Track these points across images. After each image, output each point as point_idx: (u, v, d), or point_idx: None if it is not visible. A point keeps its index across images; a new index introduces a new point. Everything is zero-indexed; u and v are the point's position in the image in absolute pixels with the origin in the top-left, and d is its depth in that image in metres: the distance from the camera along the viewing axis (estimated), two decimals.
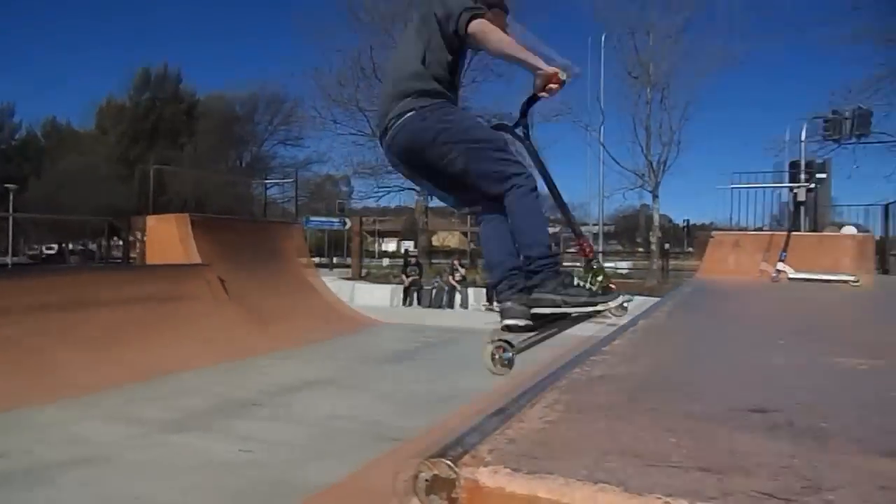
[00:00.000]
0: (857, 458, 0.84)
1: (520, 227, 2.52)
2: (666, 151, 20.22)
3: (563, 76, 2.47)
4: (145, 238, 10.15)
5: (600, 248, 28.96)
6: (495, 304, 11.77)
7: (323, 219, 31.18)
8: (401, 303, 15.37)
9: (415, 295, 15.56)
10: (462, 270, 15.61)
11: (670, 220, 30.80)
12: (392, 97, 2.53)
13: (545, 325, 2.48)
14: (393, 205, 33.24)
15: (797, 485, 0.74)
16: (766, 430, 0.95)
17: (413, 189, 23.69)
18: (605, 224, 30.76)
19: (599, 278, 2.56)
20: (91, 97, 40.77)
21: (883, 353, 1.78)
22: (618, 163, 21.93)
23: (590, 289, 2.52)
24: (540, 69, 2.46)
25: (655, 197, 21.06)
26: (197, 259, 9.47)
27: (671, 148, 20.27)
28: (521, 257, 2.55)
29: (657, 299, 12.77)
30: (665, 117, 20.09)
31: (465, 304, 14.90)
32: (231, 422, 5.21)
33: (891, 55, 15.19)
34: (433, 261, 22.78)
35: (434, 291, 15.39)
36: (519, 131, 2.70)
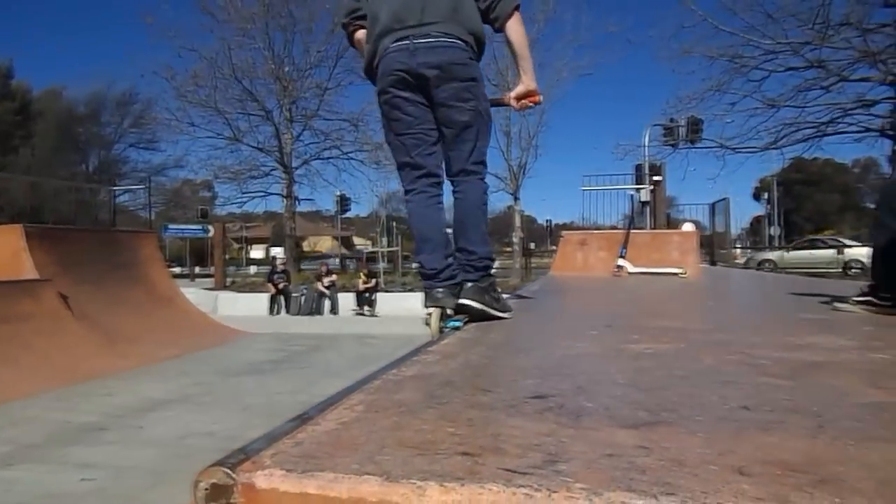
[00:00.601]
0: (600, 433, 0.98)
1: (472, 218, 2.57)
2: (525, 156, 21.28)
3: (541, 99, 2.66)
4: None
5: None
6: (365, 309, 11.84)
7: (182, 226, 29.45)
8: (267, 312, 14.91)
9: (282, 302, 15.15)
10: (332, 276, 15.45)
11: (534, 221, 32.42)
12: (445, 13, 2.44)
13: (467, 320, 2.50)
14: (261, 210, 32.10)
15: (539, 460, 0.85)
16: (536, 413, 1.07)
17: (279, 194, 23.05)
18: None
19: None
20: None
21: (671, 338, 2.04)
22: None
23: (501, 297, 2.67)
24: (533, 81, 2.61)
25: (516, 199, 22.05)
26: (34, 274, 8.62)
27: (529, 153, 21.36)
28: (458, 248, 2.60)
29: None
30: (524, 123, 21.11)
31: (335, 310, 14.75)
32: (71, 450, 4.82)
33: (713, 70, 17.02)
34: (303, 267, 22.34)
35: (303, 298, 15.08)
36: None
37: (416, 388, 1.30)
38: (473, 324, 2.43)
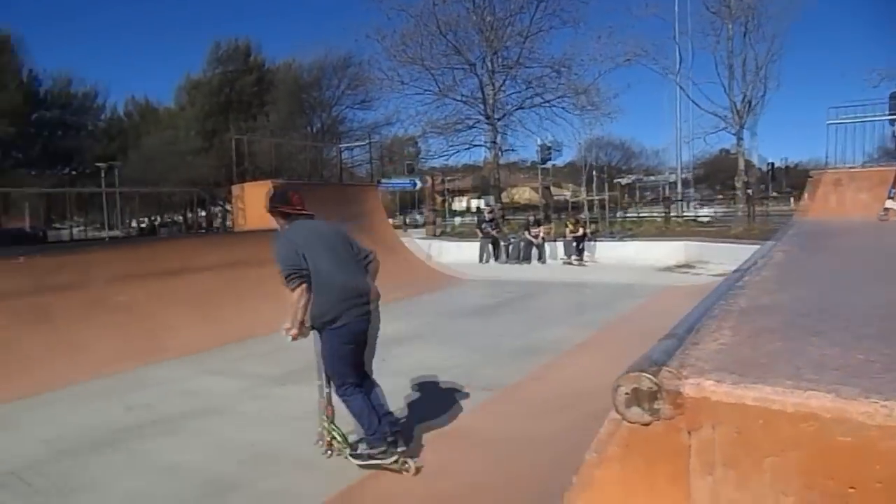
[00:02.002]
0: None
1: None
2: (751, 90, 19.03)
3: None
4: (240, 206, 10.54)
5: (679, 196, 27.95)
6: (573, 258, 11.65)
7: (396, 180, 31.45)
8: (478, 259, 15.39)
9: (491, 250, 15.54)
10: (541, 226, 15.45)
11: (763, 164, 29.08)
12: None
13: None
14: (461, 163, 33.08)
15: None
16: None
17: (483, 145, 23.46)
18: (687, 170, 29.61)
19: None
20: (173, 75, 42.40)
21: None
22: (697, 105, 20.91)
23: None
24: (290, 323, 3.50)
25: (740, 139, 19.97)
26: None
27: (757, 86, 19.05)
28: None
29: (747, 245, 12.24)
30: (750, 53, 18.84)
31: (542, 259, 14.77)
32: None
33: None
34: (508, 216, 22.64)
35: (511, 247, 15.32)
36: None
37: (767, 318, 1.16)
38: (762, 261, 2.19)
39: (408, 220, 31.61)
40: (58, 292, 6.61)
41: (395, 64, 22.05)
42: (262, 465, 3.55)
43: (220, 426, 4.24)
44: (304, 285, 3.39)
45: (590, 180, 21.35)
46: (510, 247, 15.48)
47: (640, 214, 22.72)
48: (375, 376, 3.76)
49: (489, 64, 21.81)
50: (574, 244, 14.43)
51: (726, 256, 12.30)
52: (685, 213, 22.72)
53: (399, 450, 3.40)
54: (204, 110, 37.33)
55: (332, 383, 3.63)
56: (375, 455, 3.39)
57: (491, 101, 21.92)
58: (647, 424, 0.77)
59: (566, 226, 15.11)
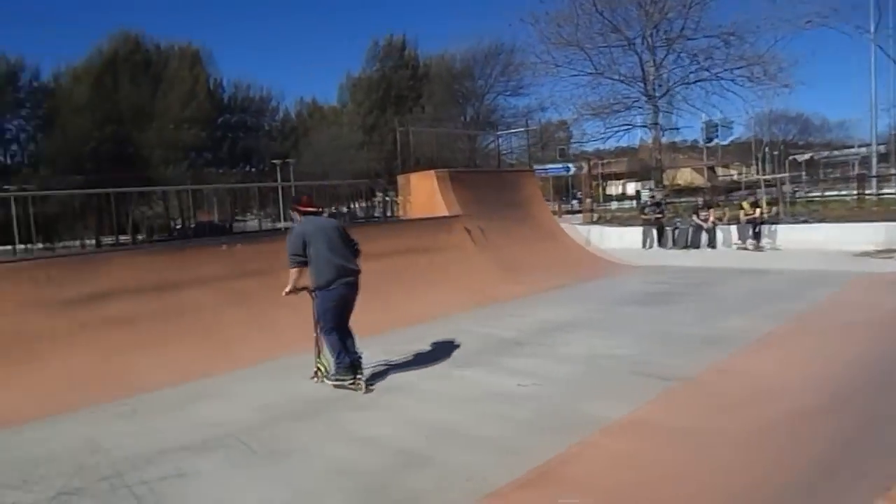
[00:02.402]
0: None
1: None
2: None
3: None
4: (405, 195, 11.05)
5: (875, 172, 24.66)
6: (749, 243, 10.83)
7: (549, 166, 31.10)
8: (641, 245, 14.78)
9: (654, 235, 14.84)
10: (710, 209, 14.47)
11: None
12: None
13: None
14: (615, 146, 31.86)
15: None
16: None
17: (644, 126, 22.36)
18: (884, 143, 26.06)
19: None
20: (337, 75, 45.51)
21: None
22: None
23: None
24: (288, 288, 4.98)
25: None
26: (455, 211, 10.08)
27: None
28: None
29: None
30: None
31: (713, 244, 13.82)
32: (501, 359, 5.53)
33: None
34: (670, 200, 21.42)
35: (677, 232, 14.52)
36: None
37: None
38: None
39: (561, 207, 31.12)
40: (253, 277, 7.34)
41: (549, 47, 21.70)
42: (449, 442, 3.70)
43: (406, 404, 4.48)
44: (298, 267, 4.91)
45: (763, 158, 19.54)
46: (676, 232, 14.67)
47: (826, 194, 20.35)
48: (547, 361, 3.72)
49: (649, 39, 20.71)
50: (750, 228, 13.33)
51: None
52: (883, 192, 20.01)
53: (357, 376, 4.88)
54: (364, 106, 39.56)
55: (320, 328, 5.07)
56: (342, 379, 4.90)
57: (651, 79, 20.84)
58: None
59: (740, 207, 14.00)
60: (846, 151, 36.00)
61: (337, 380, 4.93)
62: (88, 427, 4.39)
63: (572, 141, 34.08)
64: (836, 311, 6.89)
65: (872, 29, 19.82)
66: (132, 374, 5.42)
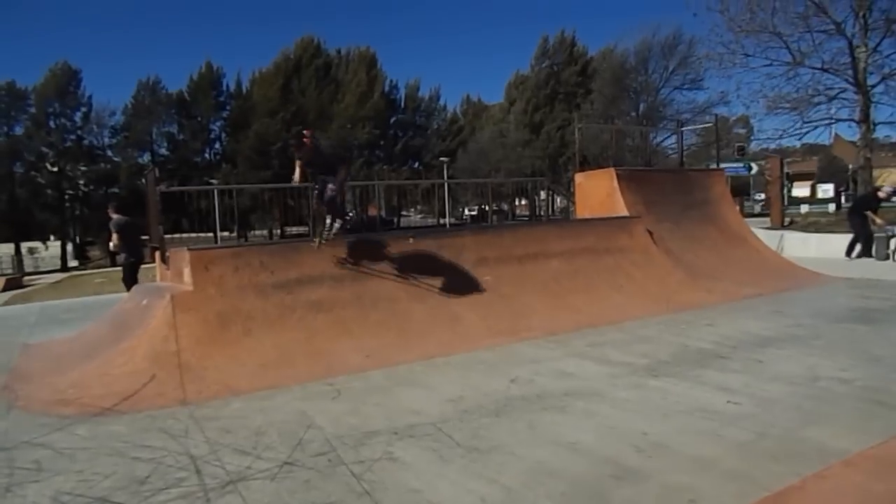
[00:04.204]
0: None
1: None
2: None
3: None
4: (585, 195, 10.80)
5: None
6: None
7: (728, 165, 28.87)
8: (845, 254, 13.12)
9: (859, 245, 13.07)
10: None
11: None
12: None
13: None
14: (799, 144, 28.74)
15: None
16: None
17: (851, 119, 19.83)
18: None
19: None
20: (504, 73, 46.06)
21: None
22: None
23: None
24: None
25: None
26: (626, 212, 9.68)
27: None
28: None
29: None
30: None
31: None
32: (702, 371, 5.13)
33: None
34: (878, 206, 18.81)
35: (893, 241, 12.66)
36: None
37: None
38: None
39: (743, 210, 28.76)
40: (426, 273, 7.52)
41: (738, 35, 20.03)
42: (660, 456, 3.48)
43: (604, 410, 4.30)
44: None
45: None
46: (892, 240, 12.84)
47: None
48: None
49: (862, 20, 18.31)
50: None
51: None
52: None
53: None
54: (531, 104, 39.47)
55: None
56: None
57: (863, 66, 18.42)
58: None
59: None
60: None
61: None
62: (301, 402, 4.74)
63: (752, 137, 31.35)
64: None
65: None
66: (334, 355, 5.80)
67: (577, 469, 3.36)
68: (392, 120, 44.70)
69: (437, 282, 7.37)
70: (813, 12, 18.68)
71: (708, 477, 3.21)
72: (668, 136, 31.30)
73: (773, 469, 3.25)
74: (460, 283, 7.53)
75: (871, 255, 12.86)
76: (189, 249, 6.42)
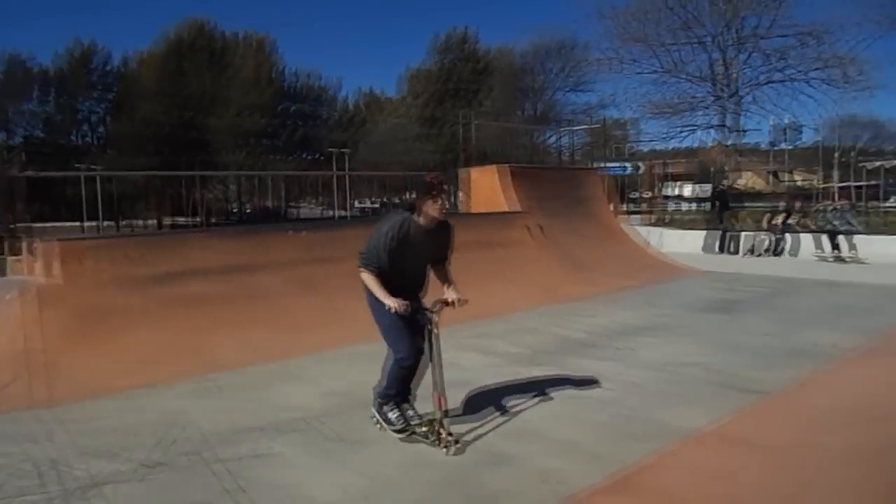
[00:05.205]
0: None
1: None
2: None
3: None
4: (469, 190, 10.99)
5: None
6: (831, 253, 10.16)
7: (613, 164, 30.49)
8: (710, 250, 14.29)
9: (727, 240, 14.32)
10: (786, 216, 13.79)
11: None
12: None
13: None
14: (672, 147, 31.05)
15: None
16: None
17: (710, 127, 21.67)
18: None
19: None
20: (398, 66, 45.74)
21: None
22: None
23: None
24: (387, 303, 3.51)
25: None
26: (517, 207, 9.97)
27: None
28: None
29: None
30: None
31: (793, 252, 13.21)
32: (574, 360, 5.40)
33: None
34: (733, 204, 20.65)
35: (743, 237, 13.98)
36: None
37: None
38: None
39: (618, 207, 30.52)
40: (318, 264, 7.40)
41: (615, 43, 21.28)
42: (533, 441, 3.63)
43: (476, 400, 4.42)
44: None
45: (830, 165, 18.71)
46: (742, 236, 14.15)
47: None
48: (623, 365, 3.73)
49: (720, 38, 20.04)
50: (831, 237, 12.69)
51: None
52: None
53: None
54: (423, 98, 39.66)
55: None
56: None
57: (720, 79, 20.16)
58: None
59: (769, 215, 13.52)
60: None
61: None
62: (179, 400, 4.53)
63: (630, 140, 33.40)
64: None
65: None
66: (218, 350, 5.56)
67: (450, 458, 3.43)
68: (280, 108, 43.30)
69: (328, 274, 7.24)
70: (679, 27, 20.20)
71: (576, 459, 3.39)
72: (561, 136, 32.62)
73: (635, 448, 3.48)
74: (349, 276, 7.42)
75: (737, 251, 14.12)
76: (59, 240, 5.89)
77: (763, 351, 5.62)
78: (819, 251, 12.88)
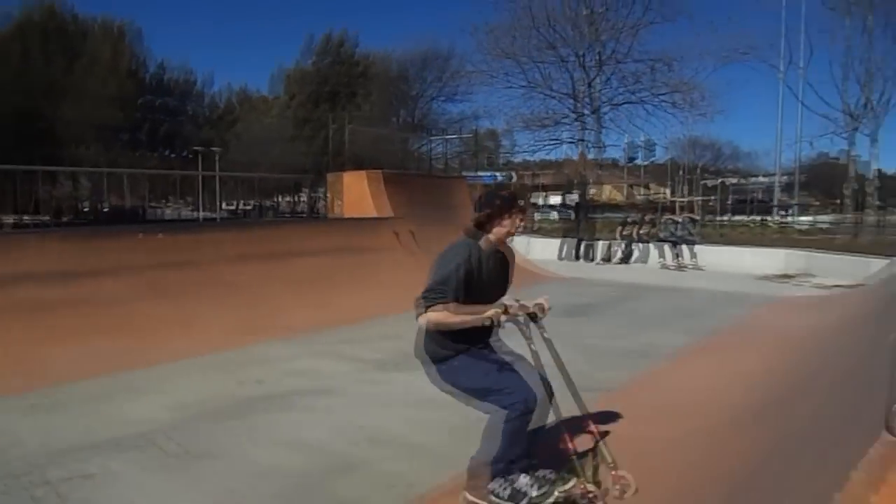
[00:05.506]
0: None
1: None
2: (870, 92, 17.76)
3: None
4: (340, 195, 10.90)
5: (777, 201, 26.48)
6: (673, 261, 11.12)
7: (485, 174, 31.46)
8: (569, 257, 15.21)
9: (579, 248, 15.31)
10: (637, 226, 15.00)
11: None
12: None
13: None
14: (541, 159, 32.71)
15: None
16: None
17: (571, 141, 23.05)
18: (788, 175, 27.97)
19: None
20: (280, 65, 43.92)
21: None
22: (806, 106, 19.82)
23: None
24: (488, 316, 2.76)
25: (851, 144, 18.75)
26: (388, 212, 10.02)
27: (878, 88, 17.74)
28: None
29: (866, 259, 11.43)
30: (876, 50, 17.55)
31: (643, 260, 14.39)
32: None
33: None
34: (592, 215, 22.15)
35: (609, 246, 15.04)
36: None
37: None
38: None
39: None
40: (173, 269, 7.04)
41: (486, 57, 22.06)
42: (383, 446, 3.67)
43: (335, 406, 4.40)
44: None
45: (678, 181, 20.65)
46: (597, 245, 15.21)
47: (733, 219, 21.73)
48: None
49: (582, 59, 21.41)
50: (673, 247, 13.96)
51: (836, 270, 11.60)
52: (785, 220, 21.59)
53: None
54: (296, 100, 38.70)
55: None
56: None
57: (581, 97, 21.53)
58: None
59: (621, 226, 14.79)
60: (753, 180, 38.49)
61: None
62: (6, 417, 4.12)
63: (502, 151, 34.70)
64: (746, 330, 7.32)
65: (782, 68, 21.33)
66: (55, 362, 5.09)
67: (295, 467, 3.39)
68: (156, 103, 40.38)
69: (183, 279, 6.88)
70: (545, 46, 21.37)
71: (426, 462, 3.47)
72: (435, 144, 33.16)
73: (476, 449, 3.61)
74: (208, 281, 7.11)
75: (593, 259, 15.11)
76: None
77: (608, 352, 6.06)
78: (663, 259, 14.11)
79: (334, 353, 5.89)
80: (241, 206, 38.85)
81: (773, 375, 4.79)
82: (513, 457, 2.78)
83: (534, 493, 2.72)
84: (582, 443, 2.92)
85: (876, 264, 11.01)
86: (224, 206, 36.84)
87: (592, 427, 2.92)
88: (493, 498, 2.77)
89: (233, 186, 36.97)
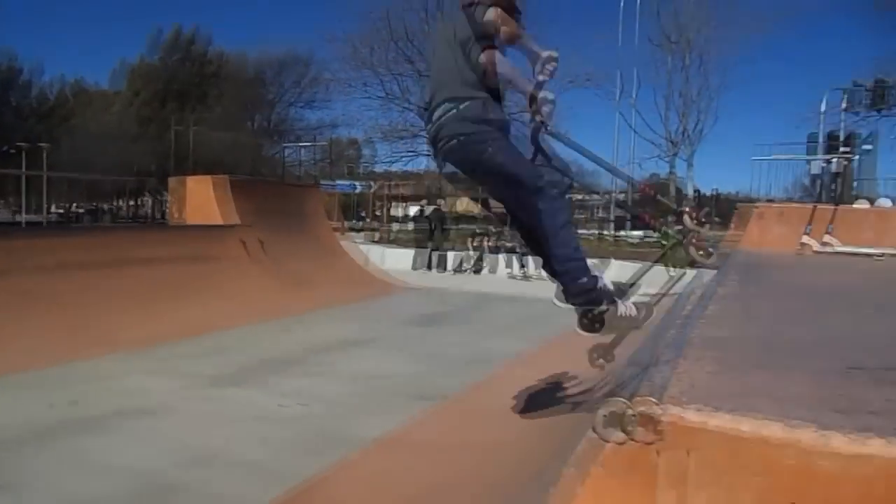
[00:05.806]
0: None
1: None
2: (686, 122, 20.02)
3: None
4: (183, 200, 10.29)
5: (612, 216, 28.84)
6: (519, 271, 11.75)
7: (343, 182, 31.17)
8: (422, 267, 15.50)
9: (435, 258, 15.67)
10: (482, 237, 15.66)
11: (699, 191, 30.50)
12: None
13: None
14: (402, 170, 33.21)
15: None
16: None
17: (428, 155, 23.58)
18: (622, 193, 30.58)
19: None
20: (122, 59, 40.27)
21: None
22: (635, 131, 21.86)
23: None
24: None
25: (672, 167, 20.98)
26: (235, 220, 9.62)
27: (693, 118, 20.06)
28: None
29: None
30: (692, 85, 19.83)
31: (492, 270, 15.01)
32: (275, 377, 5.39)
33: None
34: (446, 226, 22.71)
35: (462, 256, 15.52)
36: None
37: (739, 349, 1.32)
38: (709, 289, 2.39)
39: (345, 224, 31.41)
40: None
41: (344, 66, 22.01)
42: (210, 466, 3.52)
43: (160, 426, 4.14)
44: None
45: None
46: (450, 255, 15.68)
47: (578, 232, 23.40)
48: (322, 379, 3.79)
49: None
50: (520, 258, 14.69)
51: (658, 281, 12.86)
52: (619, 234, 23.67)
53: None
54: (142, 97, 35.95)
55: None
56: None
57: None
58: (621, 444, 0.88)
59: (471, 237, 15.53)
60: (594, 196, 41.71)
61: None
62: None
63: (362, 161, 34.66)
64: (573, 336, 7.89)
65: (617, 97, 23.44)
66: None
67: (107, 495, 3.14)
68: None
69: None
70: (403, 59, 21.78)
71: (257, 480, 3.36)
72: (289, 151, 32.39)
73: (318, 462, 3.56)
74: (8, 294, 6.37)
75: (445, 269, 15.50)
76: None
77: (453, 360, 6.26)
78: (510, 269, 14.85)
79: (168, 368, 5.55)
80: (73, 209, 35.29)
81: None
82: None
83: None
84: None
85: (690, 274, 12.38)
86: (53, 208, 33.25)
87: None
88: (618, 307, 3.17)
89: (65, 187, 33.56)
